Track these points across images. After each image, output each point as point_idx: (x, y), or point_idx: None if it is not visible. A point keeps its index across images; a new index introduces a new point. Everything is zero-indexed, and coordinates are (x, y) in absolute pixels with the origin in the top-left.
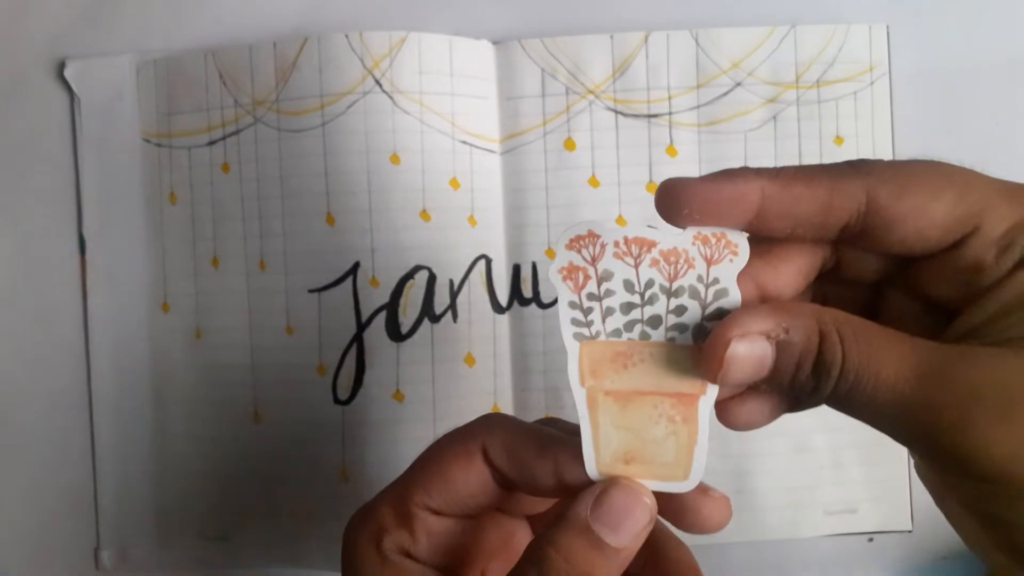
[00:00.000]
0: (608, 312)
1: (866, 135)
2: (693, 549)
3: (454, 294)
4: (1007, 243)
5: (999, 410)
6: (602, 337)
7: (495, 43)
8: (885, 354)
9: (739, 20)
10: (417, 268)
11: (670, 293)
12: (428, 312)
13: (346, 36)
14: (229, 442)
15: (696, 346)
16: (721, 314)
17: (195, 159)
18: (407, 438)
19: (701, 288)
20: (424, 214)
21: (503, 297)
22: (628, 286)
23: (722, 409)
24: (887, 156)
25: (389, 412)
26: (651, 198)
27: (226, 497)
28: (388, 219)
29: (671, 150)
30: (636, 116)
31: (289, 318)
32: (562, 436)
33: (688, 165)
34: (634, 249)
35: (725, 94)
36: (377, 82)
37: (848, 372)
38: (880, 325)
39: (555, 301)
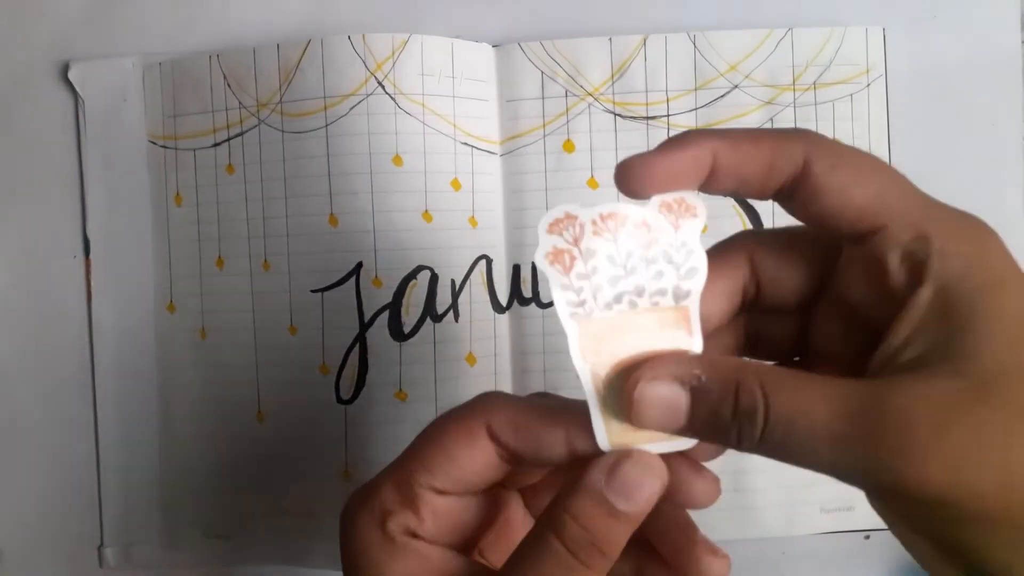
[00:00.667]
0: (597, 289)
1: (862, 137)
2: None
3: (456, 294)
4: (910, 250)
5: (930, 436)
6: (596, 313)
7: (495, 46)
8: (813, 397)
9: (736, 23)
10: (419, 268)
11: (648, 261)
12: (430, 312)
13: (349, 38)
14: (233, 441)
15: (679, 307)
16: (693, 272)
17: (200, 161)
18: (409, 437)
19: (673, 252)
20: (426, 215)
21: (503, 297)
22: (611, 260)
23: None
24: (884, 158)
25: (391, 411)
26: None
27: (229, 496)
28: (390, 220)
29: None
30: (635, 118)
31: (293, 318)
32: (566, 406)
33: None
34: (610, 224)
35: (722, 96)
36: (380, 84)
37: (778, 419)
38: (802, 372)
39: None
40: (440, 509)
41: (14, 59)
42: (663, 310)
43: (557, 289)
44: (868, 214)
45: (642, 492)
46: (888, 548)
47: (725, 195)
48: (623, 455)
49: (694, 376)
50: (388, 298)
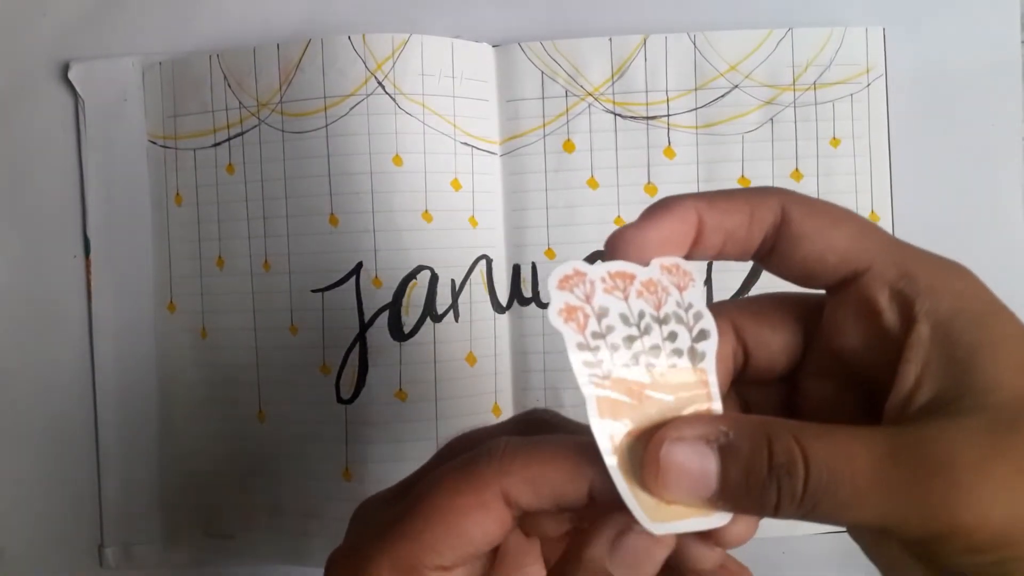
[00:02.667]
0: (613, 348)
1: (862, 137)
2: None
3: (456, 294)
4: (898, 288)
5: (975, 476)
6: (614, 374)
7: (495, 46)
8: (851, 445)
9: (736, 23)
10: (419, 268)
11: (660, 321)
12: (430, 312)
13: (349, 38)
14: (233, 441)
15: (698, 369)
16: (705, 335)
17: (200, 161)
18: (410, 437)
19: (682, 313)
20: (426, 215)
21: (503, 297)
22: (624, 319)
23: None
24: (884, 158)
25: (392, 411)
26: (649, 199)
27: (230, 495)
28: (391, 220)
29: (669, 152)
30: (635, 118)
31: (293, 318)
32: (583, 447)
33: (686, 167)
34: (620, 283)
35: (723, 96)
36: (380, 84)
37: (820, 470)
38: (830, 424)
39: None
40: None
41: (14, 59)
42: (682, 371)
43: (573, 349)
44: (851, 255)
45: (649, 563)
46: None
47: (709, 259)
48: (626, 524)
49: (721, 433)
50: (388, 298)
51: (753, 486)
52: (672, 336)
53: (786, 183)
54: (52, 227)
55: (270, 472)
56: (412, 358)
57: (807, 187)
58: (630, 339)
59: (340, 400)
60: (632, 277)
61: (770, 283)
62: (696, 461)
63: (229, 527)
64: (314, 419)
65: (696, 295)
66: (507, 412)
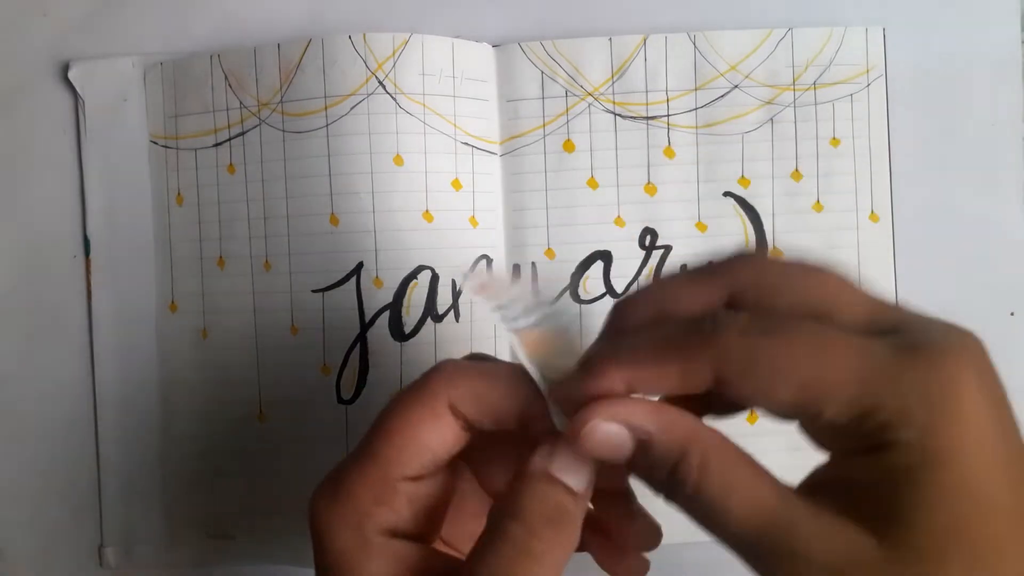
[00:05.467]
0: (523, 311)
1: (862, 137)
2: (687, 547)
3: (456, 294)
4: (857, 415)
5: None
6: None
7: (495, 46)
8: (743, 492)
9: (736, 23)
10: (420, 268)
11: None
12: (431, 312)
13: (350, 38)
14: (234, 441)
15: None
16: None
17: (201, 161)
18: None
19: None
20: (427, 215)
21: None
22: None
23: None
24: (884, 158)
25: None
26: (649, 199)
27: (231, 496)
28: (391, 220)
29: (669, 152)
30: (634, 118)
31: (294, 318)
32: (518, 373)
33: (686, 167)
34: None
35: (723, 96)
36: (380, 84)
37: (703, 501)
38: (750, 458)
39: (555, 301)
40: (414, 495)
41: (14, 59)
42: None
43: (493, 309)
44: (800, 405)
45: (584, 466)
46: None
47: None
48: (559, 436)
49: (645, 432)
50: (389, 298)
51: (652, 477)
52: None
53: (786, 183)
54: (52, 227)
55: (270, 472)
56: (413, 358)
57: (807, 187)
58: (527, 309)
59: (341, 400)
60: (488, 288)
61: None
62: (615, 441)
63: (229, 527)
64: (314, 419)
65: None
66: None
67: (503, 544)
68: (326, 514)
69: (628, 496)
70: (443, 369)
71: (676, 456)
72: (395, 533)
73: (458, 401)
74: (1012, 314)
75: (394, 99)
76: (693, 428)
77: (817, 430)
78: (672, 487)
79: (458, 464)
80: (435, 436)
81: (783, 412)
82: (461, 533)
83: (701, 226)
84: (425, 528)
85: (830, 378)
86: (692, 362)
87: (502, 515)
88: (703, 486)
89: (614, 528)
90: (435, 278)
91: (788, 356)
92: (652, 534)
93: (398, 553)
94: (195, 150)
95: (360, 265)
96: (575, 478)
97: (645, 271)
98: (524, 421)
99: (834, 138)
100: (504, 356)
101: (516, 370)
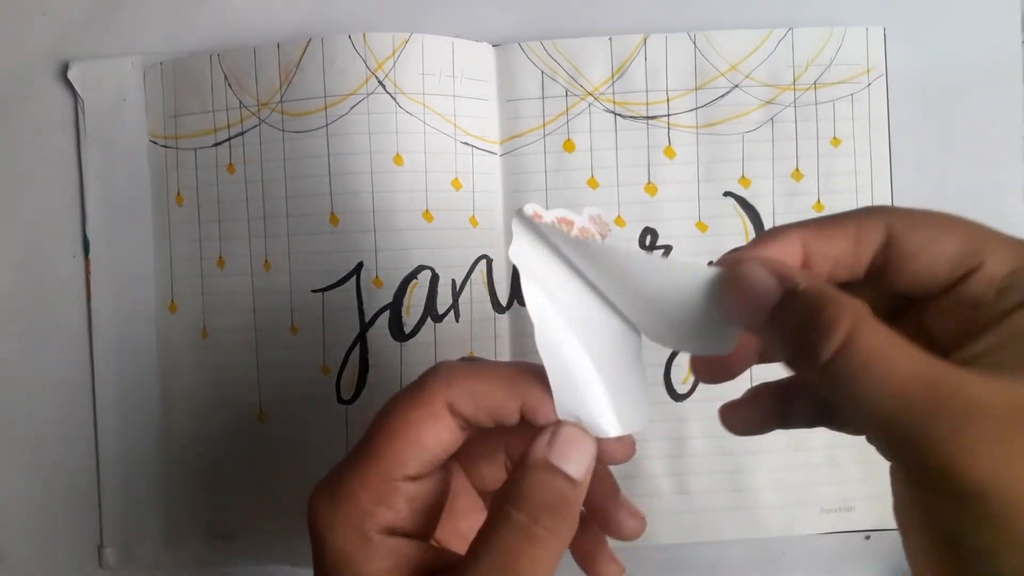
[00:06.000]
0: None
1: (863, 137)
2: (689, 547)
3: (456, 294)
4: (1008, 284)
5: (992, 433)
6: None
7: (495, 46)
8: (898, 350)
9: (737, 22)
10: (420, 268)
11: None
12: (431, 312)
13: (350, 37)
14: (234, 441)
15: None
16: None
17: (201, 160)
18: None
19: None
20: (427, 215)
21: (503, 297)
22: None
23: (725, 413)
24: (884, 158)
25: None
26: (649, 199)
27: (230, 496)
28: (391, 219)
29: (669, 152)
30: (635, 118)
31: (294, 318)
32: (513, 372)
33: (686, 167)
34: (564, 225)
35: (723, 96)
36: (380, 83)
37: (856, 352)
38: (894, 328)
39: None
40: (412, 494)
41: (14, 59)
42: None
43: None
44: (962, 259)
45: (581, 454)
46: (888, 548)
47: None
48: (556, 426)
49: (795, 282)
50: (389, 298)
51: (793, 328)
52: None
53: (786, 183)
54: (52, 227)
55: (270, 472)
56: (413, 358)
57: (807, 187)
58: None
59: (341, 400)
60: (571, 223)
61: None
62: (764, 286)
63: (229, 527)
64: (314, 419)
65: (613, 242)
66: None
67: (506, 530)
68: (326, 513)
69: (613, 487)
70: (439, 370)
71: (823, 314)
72: (394, 532)
73: (456, 401)
74: None
75: (394, 99)
76: (842, 294)
77: (956, 303)
78: (810, 350)
79: (450, 463)
80: (434, 436)
81: (946, 274)
82: (452, 530)
83: (701, 226)
84: (422, 527)
85: (982, 232)
86: (865, 215)
87: (504, 501)
88: (852, 349)
89: (599, 518)
90: (435, 278)
91: (951, 222)
92: (636, 523)
93: (397, 551)
94: (195, 150)
95: (360, 265)
96: (575, 466)
97: None
98: (526, 414)
99: (834, 138)
100: (504, 357)
101: (515, 367)
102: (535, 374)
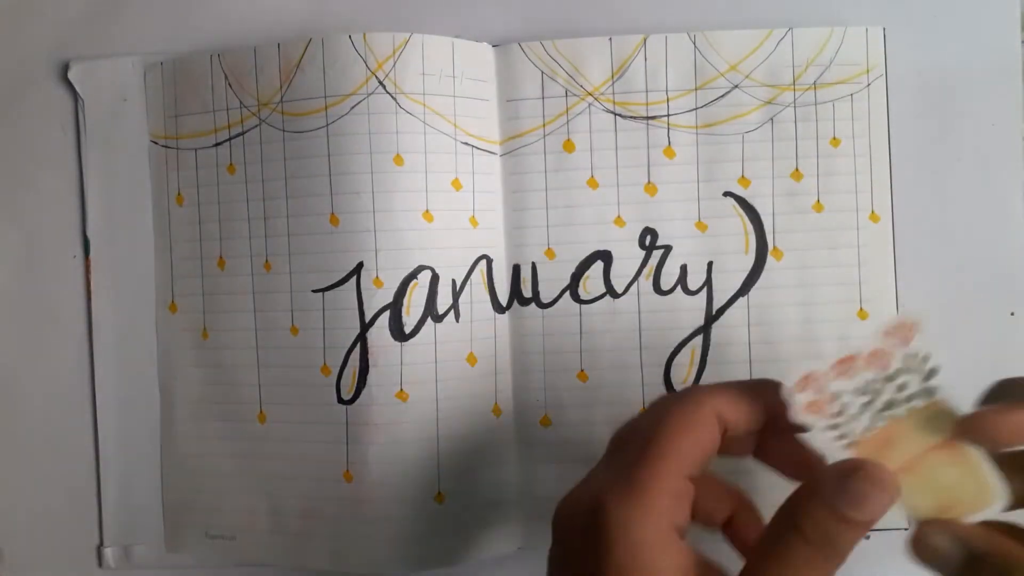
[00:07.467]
0: (853, 418)
1: (863, 137)
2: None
3: (456, 294)
4: None
5: None
6: (861, 436)
7: (495, 46)
8: None
9: (736, 22)
10: (420, 268)
11: (889, 379)
12: (431, 312)
13: (350, 37)
14: (234, 441)
15: (932, 401)
16: (935, 373)
17: (201, 160)
18: (410, 438)
19: (911, 362)
20: (427, 215)
21: (503, 297)
22: (856, 393)
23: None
24: (884, 158)
25: (393, 412)
26: (649, 199)
27: (231, 496)
28: (391, 219)
29: (669, 152)
30: (634, 118)
31: (294, 318)
32: (759, 383)
33: (686, 167)
34: (845, 367)
35: (723, 96)
36: (381, 83)
37: None
38: None
39: (554, 301)
40: (692, 496)
41: (14, 59)
42: (919, 411)
43: (822, 432)
44: None
45: (871, 505)
46: (889, 548)
47: None
48: (854, 466)
49: (970, 545)
50: (389, 298)
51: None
52: (903, 386)
53: (786, 183)
54: (52, 227)
55: (270, 472)
56: (413, 358)
57: (807, 187)
58: (865, 406)
59: (341, 401)
60: (855, 357)
61: (770, 280)
62: (948, 551)
63: (229, 528)
64: (314, 420)
65: (922, 342)
66: (507, 412)
67: (787, 549)
68: (623, 508)
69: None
70: (703, 385)
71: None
72: (681, 533)
73: (722, 407)
74: (1012, 314)
75: (394, 99)
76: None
77: None
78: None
79: None
80: (709, 438)
81: None
82: None
83: (701, 226)
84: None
85: None
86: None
87: (787, 526)
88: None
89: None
90: (435, 278)
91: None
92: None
93: (687, 551)
94: (195, 150)
95: (360, 265)
96: (859, 512)
97: (645, 271)
98: (772, 421)
99: (834, 138)
100: (504, 357)
101: (757, 381)
102: (773, 384)
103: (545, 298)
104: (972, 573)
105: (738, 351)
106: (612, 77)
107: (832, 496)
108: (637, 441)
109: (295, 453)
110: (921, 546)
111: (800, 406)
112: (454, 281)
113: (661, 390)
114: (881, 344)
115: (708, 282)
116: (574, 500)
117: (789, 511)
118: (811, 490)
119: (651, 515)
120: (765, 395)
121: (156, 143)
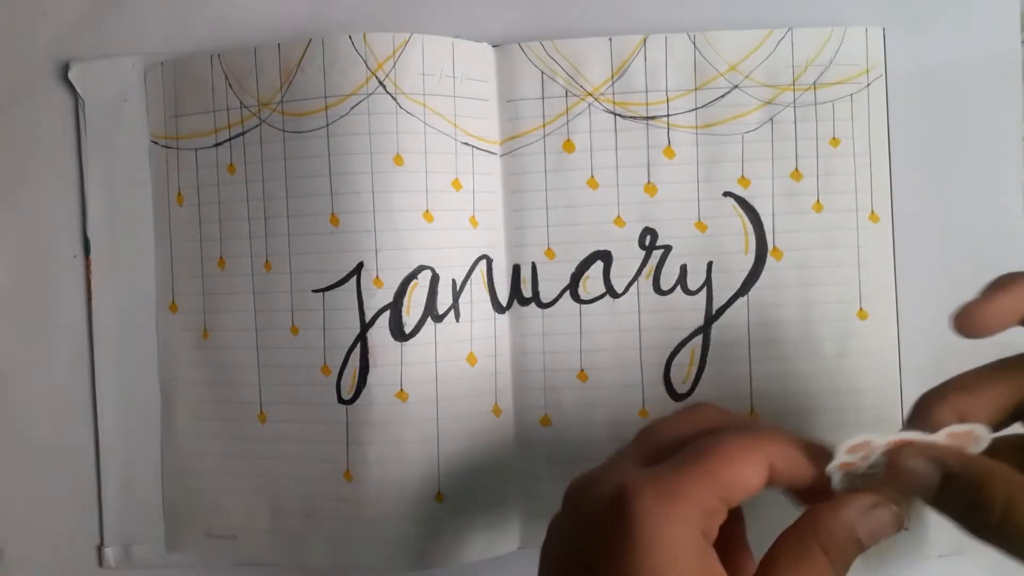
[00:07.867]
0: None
1: (862, 137)
2: None
3: (456, 294)
4: None
5: None
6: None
7: (495, 46)
8: None
9: (736, 23)
10: (420, 268)
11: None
12: (431, 312)
13: (350, 38)
14: (234, 441)
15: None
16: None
17: (202, 160)
18: (411, 438)
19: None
20: (427, 215)
21: (503, 297)
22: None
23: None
24: (884, 158)
25: (393, 412)
26: (649, 199)
27: (231, 496)
28: (392, 219)
29: (669, 152)
30: (634, 118)
31: (294, 318)
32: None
33: (686, 167)
34: (898, 447)
35: (722, 96)
36: (381, 83)
37: (1018, 520)
38: None
39: (554, 301)
40: (722, 520)
41: (14, 59)
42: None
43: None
44: None
45: (883, 536)
46: (890, 549)
47: None
48: (880, 502)
49: (948, 463)
50: (389, 298)
51: (960, 512)
52: None
53: (786, 183)
54: (52, 227)
55: (270, 472)
56: (413, 358)
57: (807, 187)
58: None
59: (341, 401)
60: (910, 444)
61: (770, 280)
62: (923, 473)
63: (229, 527)
64: (315, 420)
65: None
66: (507, 412)
67: (803, 558)
68: (659, 507)
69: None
70: (769, 427)
71: (980, 493)
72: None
73: (773, 456)
74: None
75: (394, 99)
76: (993, 468)
77: None
78: (977, 523)
79: None
80: (755, 477)
81: None
82: None
83: (701, 226)
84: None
85: None
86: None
87: (809, 536)
88: (1011, 519)
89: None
90: (435, 278)
91: None
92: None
93: (716, 560)
94: (195, 150)
95: (360, 265)
96: (870, 539)
97: (645, 271)
98: (811, 487)
99: (834, 138)
100: (504, 357)
101: (816, 445)
102: (826, 452)
103: (545, 298)
104: (949, 491)
105: (738, 351)
106: (612, 77)
107: (855, 522)
108: (683, 452)
109: (295, 453)
110: (897, 470)
111: (838, 462)
112: (454, 281)
113: (661, 390)
114: (942, 440)
115: (708, 282)
116: (595, 479)
117: (811, 527)
118: (835, 512)
119: (691, 522)
120: (818, 461)
121: (156, 143)
